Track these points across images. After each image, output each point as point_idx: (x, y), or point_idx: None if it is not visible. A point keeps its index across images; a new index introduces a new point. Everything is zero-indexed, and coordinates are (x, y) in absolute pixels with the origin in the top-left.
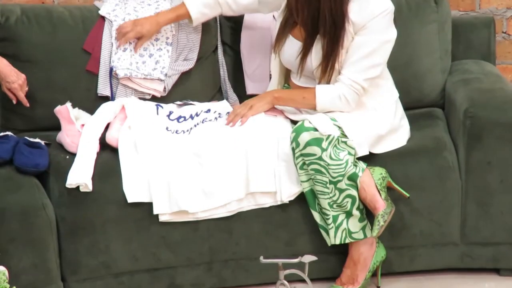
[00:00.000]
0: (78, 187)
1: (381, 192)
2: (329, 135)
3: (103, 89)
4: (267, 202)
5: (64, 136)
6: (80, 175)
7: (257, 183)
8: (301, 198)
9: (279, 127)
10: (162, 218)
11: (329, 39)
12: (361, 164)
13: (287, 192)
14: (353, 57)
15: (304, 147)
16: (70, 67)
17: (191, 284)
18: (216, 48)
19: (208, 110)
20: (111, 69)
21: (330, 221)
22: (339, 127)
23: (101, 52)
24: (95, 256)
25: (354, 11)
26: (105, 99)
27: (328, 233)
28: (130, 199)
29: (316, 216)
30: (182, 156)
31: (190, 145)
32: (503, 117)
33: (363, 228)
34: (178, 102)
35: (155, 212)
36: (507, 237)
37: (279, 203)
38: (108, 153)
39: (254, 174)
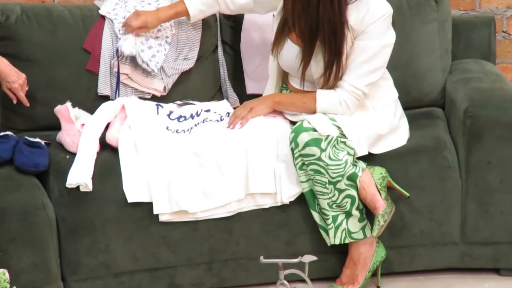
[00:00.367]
0: (78, 187)
1: (381, 191)
2: (328, 135)
3: (103, 88)
4: (267, 203)
5: (64, 136)
6: (80, 175)
7: (257, 184)
8: (301, 198)
9: (278, 127)
10: (162, 218)
11: (329, 50)
12: (361, 164)
13: (287, 193)
14: (353, 63)
15: (303, 148)
16: (70, 67)
17: (191, 283)
18: (216, 47)
19: (208, 110)
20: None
21: (329, 221)
22: (338, 127)
23: (101, 51)
24: (95, 255)
25: (353, 16)
26: (105, 98)
27: (327, 233)
28: (130, 199)
29: (316, 216)
30: (182, 156)
31: (190, 145)
32: (503, 116)
33: (363, 228)
34: (179, 102)
35: (155, 212)
36: (507, 237)
37: (279, 204)
38: (108, 152)
39: (253, 174)
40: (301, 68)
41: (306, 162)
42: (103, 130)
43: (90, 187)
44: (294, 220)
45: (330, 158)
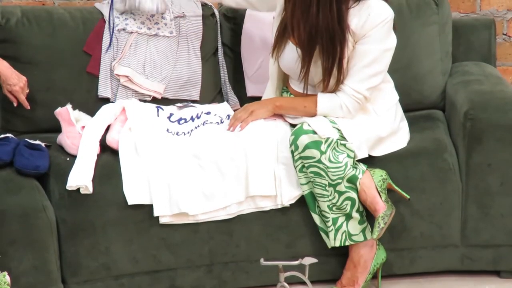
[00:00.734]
0: (78, 189)
1: (381, 194)
2: (328, 138)
3: (103, 90)
4: (267, 205)
5: (65, 138)
6: (81, 177)
7: (257, 187)
8: (301, 201)
9: (279, 130)
10: (162, 220)
11: (327, 56)
12: (361, 166)
13: (288, 195)
14: (354, 67)
15: (303, 150)
16: (71, 69)
17: (191, 286)
18: (217, 50)
19: (209, 112)
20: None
21: (330, 223)
22: (338, 130)
23: (102, 53)
24: (95, 258)
25: (354, 21)
26: (106, 101)
27: (328, 236)
28: (130, 201)
29: (316, 219)
30: (183, 158)
31: (190, 147)
32: (503, 119)
33: (363, 231)
34: (179, 104)
35: (155, 214)
36: (507, 239)
37: (279, 206)
38: (108, 155)
39: (254, 177)
40: (302, 73)
41: (306, 165)
42: (104, 132)
43: (90, 189)
44: (294, 223)
45: (330, 161)
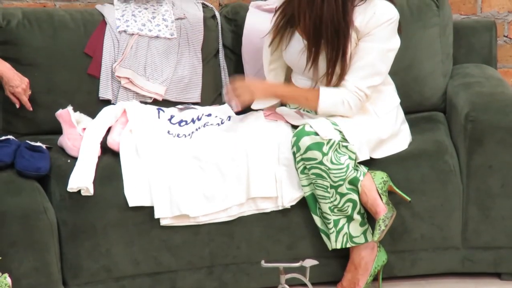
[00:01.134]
0: (79, 191)
1: (382, 196)
2: (329, 140)
3: (104, 92)
4: (268, 207)
5: (66, 140)
6: (82, 179)
7: (258, 188)
8: (302, 202)
9: (280, 131)
10: (163, 222)
11: (331, 48)
12: (362, 168)
13: (289, 197)
14: (356, 64)
15: (305, 152)
16: (72, 71)
17: None
18: (218, 52)
19: (210, 114)
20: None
21: (331, 225)
22: (340, 132)
23: (103, 55)
24: (96, 259)
25: (359, 19)
26: (107, 102)
27: (329, 237)
28: (131, 203)
29: (317, 220)
30: (183, 160)
31: (191, 149)
32: (504, 121)
33: (364, 233)
34: (180, 106)
35: (156, 216)
36: (508, 241)
37: (280, 208)
38: (109, 157)
39: (255, 179)
40: (309, 65)
41: (307, 166)
42: (105, 134)
43: (91, 191)
44: (295, 224)
45: (332, 162)
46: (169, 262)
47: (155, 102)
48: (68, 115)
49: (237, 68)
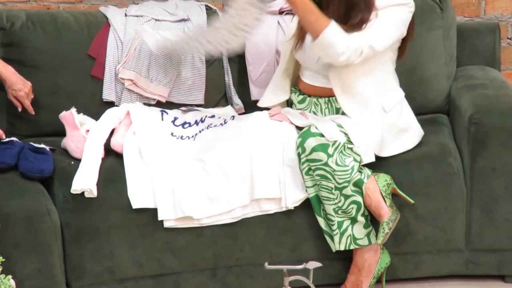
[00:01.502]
0: (83, 193)
1: (386, 199)
2: (335, 141)
3: (108, 94)
4: (271, 208)
5: (69, 142)
6: (85, 181)
7: (262, 189)
8: (306, 204)
9: (284, 132)
10: (166, 224)
11: (351, 29)
12: (366, 171)
13: (292, 198)
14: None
15: (310, 153)
16: (75, 73)
17: None
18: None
19: (213, 116)
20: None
21: (335, 227)
22: (345, 134)
23: (106, 57)
24: (99, 261)
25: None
26: (110, 104)
27: (332, 239)
28: (134, 205)
29: (321, 222)
30: (187, 162)
31: (194, 151)
32: (508, 123)
33: (368, 235)
34: (183, 108)
35: (159, 218)
36: None
37: (284, 209)
38: (112, 158)
39: (259, 180)
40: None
41: (312, 167)
42: (108, 136)
43: (94, 193)
44: (298, 226)
45: (337, 164)
46: (172, 264)
47: (158, 104)
48: (71, 117)
49: (240, 70)
